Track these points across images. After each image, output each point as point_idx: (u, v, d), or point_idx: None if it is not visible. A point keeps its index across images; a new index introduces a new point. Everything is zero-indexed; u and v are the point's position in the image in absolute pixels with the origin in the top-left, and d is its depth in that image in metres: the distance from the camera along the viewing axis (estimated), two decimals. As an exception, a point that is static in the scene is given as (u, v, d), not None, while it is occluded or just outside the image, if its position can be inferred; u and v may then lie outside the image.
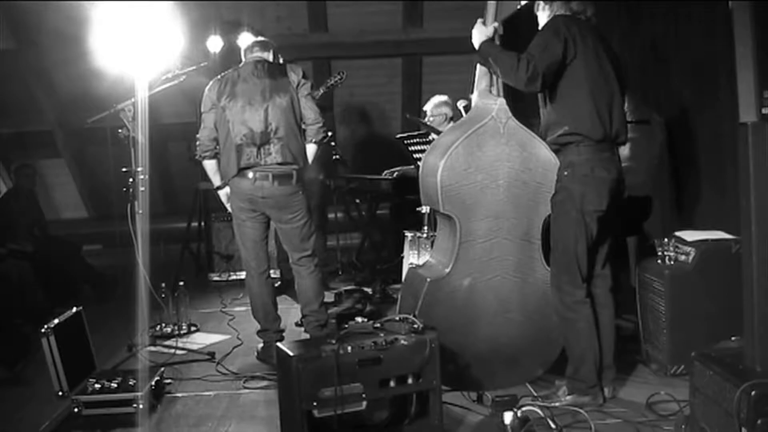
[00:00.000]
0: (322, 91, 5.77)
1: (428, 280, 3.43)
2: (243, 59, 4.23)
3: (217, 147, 4.16)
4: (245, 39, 4.99)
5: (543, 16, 3.34)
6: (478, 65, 3.50)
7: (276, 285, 4.87)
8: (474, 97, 3.57)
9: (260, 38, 4.36)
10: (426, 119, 5.27)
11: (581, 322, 3.24)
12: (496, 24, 3.38)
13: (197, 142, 4.20)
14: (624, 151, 4.40)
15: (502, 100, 3.46)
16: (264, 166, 4.05)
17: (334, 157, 6.24)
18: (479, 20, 3.39)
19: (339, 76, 5.79)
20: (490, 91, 3.48)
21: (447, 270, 3.44)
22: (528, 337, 3.51)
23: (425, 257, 4.14)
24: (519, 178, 3.45)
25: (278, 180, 4.07)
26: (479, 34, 3.36)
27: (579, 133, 3.18)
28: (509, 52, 3.22)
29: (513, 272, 3.49)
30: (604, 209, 3.19)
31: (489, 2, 3.41)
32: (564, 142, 3.24)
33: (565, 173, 3.23)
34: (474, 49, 3.40)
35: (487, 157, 3.43)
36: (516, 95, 3.47)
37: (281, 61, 4.44)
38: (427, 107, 5.33)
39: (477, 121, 3.46)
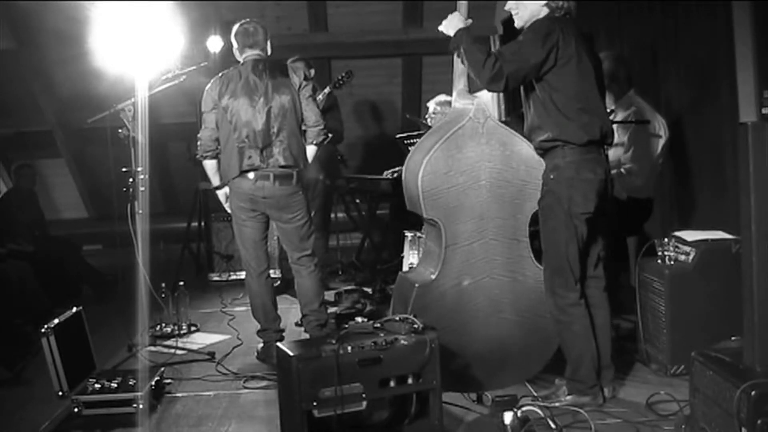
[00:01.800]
0: (329, 89, 5.78)
1: (416, 285, 3.40)
2: (239, 56, 4.19)
3: (219, 147, 4.15)
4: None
5: (518, 17, 3.26)
6: (455, 65, 3.45)
7: (276, 285, 4.87)
8: (453, 97, 3.53)
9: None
10: (428, 114, 5.25)
11: (576, 324, 3.23)
12: (470, 21, 3.32)
13: (198, 142, 4.18)
14: (626, 152, 4.41)
15: (479, 100, 3.41)
16: (265, 168, 4.05)
17: (338, 156, 6.24)
18: (455, 13, 3.34)
19: (345, 74, 5.81)
20: (469, 91, 3.45)
21: (434, 276, 3.41)
22: (523, 336, 3.49)
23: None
24: (502, 177, 3.43)
25: (279, 180, 4.06)
26: (456, 22, 3.30)
27: (564, 139, 3.14)
28: (481, 46, 3.17)
29: (502, 272, 3.46)
30: (592, 211, 3.16)
31: (460, 2, 3.37)
32: (548, 146, 3.20)
33: (551, 177, 3.19)
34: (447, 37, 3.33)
35: (467, 158, 3.40)
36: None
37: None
38: (431, 103, 5.31)
39: (455, 124, 3.43)
